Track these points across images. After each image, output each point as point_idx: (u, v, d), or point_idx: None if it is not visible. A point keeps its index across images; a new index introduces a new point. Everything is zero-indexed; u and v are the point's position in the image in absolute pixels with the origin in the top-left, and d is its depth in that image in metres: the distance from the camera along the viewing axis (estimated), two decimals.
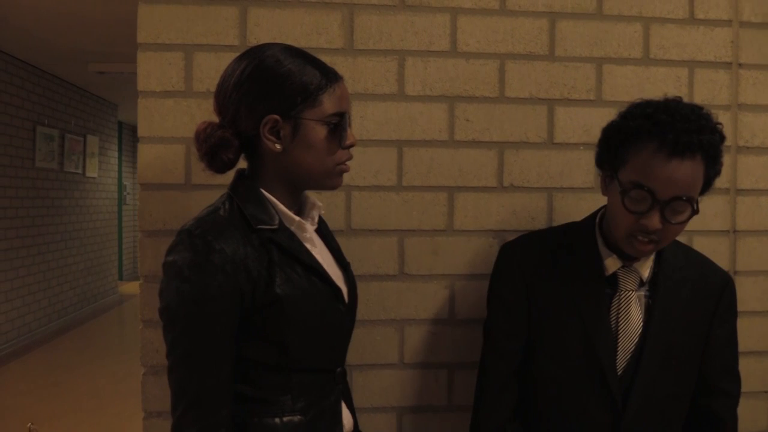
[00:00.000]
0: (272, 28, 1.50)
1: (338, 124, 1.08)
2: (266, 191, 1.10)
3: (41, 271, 6.48)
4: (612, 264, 1.25)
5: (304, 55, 1.10)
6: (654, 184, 1.11)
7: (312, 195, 1.20)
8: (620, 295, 1.25)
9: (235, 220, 1.05)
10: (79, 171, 7.37)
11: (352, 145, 1.12)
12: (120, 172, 9.41)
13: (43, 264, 6.53)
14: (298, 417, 1.06)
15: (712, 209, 1.63)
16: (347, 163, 1.13)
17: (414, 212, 1.54)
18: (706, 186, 1.17)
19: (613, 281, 1.26)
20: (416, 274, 1.54)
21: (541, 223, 1.57)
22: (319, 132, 1.07)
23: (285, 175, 1.10)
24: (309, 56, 1.10)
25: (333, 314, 1.12)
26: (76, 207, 7.35)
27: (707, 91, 1.63)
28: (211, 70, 1.49)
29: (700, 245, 1.62)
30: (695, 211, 1.13)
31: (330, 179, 1.12)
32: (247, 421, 1.04)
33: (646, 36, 1.61)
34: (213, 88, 1.50)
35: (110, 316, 7.71)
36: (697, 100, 1.60)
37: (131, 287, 9.83)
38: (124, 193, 10.19)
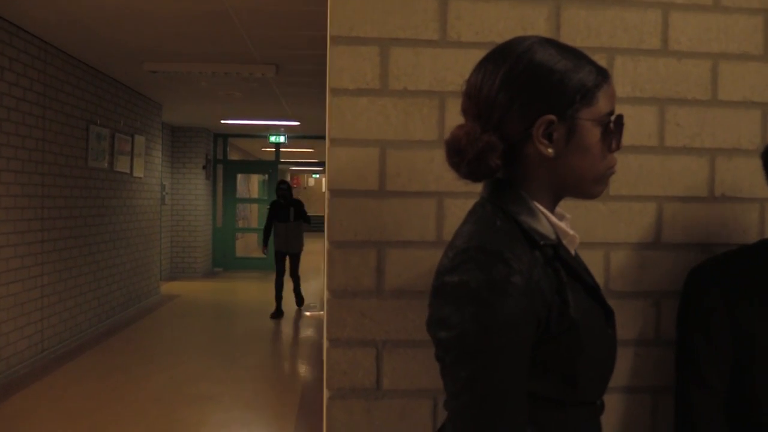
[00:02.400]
0: (474, 21, 1.38)
1: (610, 124, 0.96)
2: (535, 201, 0.97)
3: (91, 272, 6.42)
4: None
5: (573, 49, 0.98)
6: None
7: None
8: None
9: (517, 235, 0.92)
10: (127, 171, 7.31)
11: (618, 148, 1.00)
12: (161, 172, 9.36)
13: (93, 264, 6.47)
14: None
15: None
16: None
17: (621, 224, 1.42)
18: None
19: None
20: (622, 290, 1.42)
21: (753, 237, 1.45)
22: (595, 134, 0.94)
23: (552, 183, 0.97)
24: (577, 50, 0.98)
25: (609, 340, 1.00)
26: (124, 207, 7.29)
27: None
28: (408, 66, 1.38)
29: None
30: None
31: (599, 186, 0.98)
32: None
33: None
34: (410, 86, 1.40)
35: (154, 317, 7.65)
36: None
37: (169, 287, 9.78)
38: (163, 193, 10.14)
